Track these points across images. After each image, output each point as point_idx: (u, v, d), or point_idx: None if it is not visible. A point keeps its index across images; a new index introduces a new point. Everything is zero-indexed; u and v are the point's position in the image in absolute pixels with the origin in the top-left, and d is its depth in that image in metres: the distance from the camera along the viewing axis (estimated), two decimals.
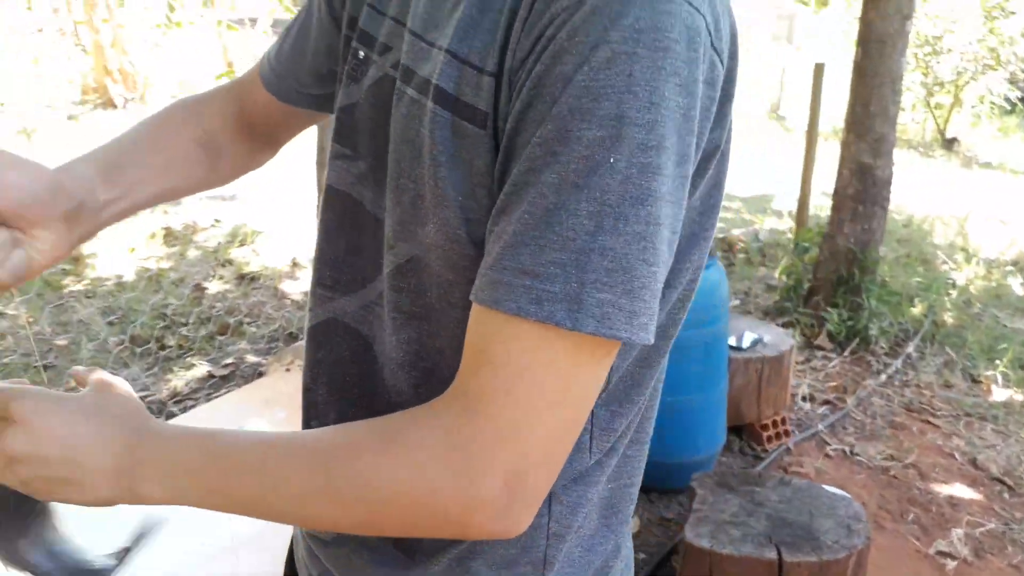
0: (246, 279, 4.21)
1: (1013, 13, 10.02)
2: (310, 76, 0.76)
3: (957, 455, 2.87)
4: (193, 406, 2.91)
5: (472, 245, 0.53)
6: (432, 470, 0.48)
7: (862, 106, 3.50)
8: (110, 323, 3.61)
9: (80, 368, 0.61)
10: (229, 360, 3.30)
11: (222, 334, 3.54)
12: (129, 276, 4.16)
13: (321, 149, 2.82)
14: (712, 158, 0.54)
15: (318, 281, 0.69)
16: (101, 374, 0.60)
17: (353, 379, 0.66)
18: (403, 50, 0.58)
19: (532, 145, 0.47)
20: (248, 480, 0.53)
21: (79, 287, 4.02)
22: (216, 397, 2.96)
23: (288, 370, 2.14)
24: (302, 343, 2.15)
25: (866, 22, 3.45)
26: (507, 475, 0.48)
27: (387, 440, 0.50)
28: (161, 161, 0.76)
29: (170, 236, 4.84)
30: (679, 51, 0.44)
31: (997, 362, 3.60)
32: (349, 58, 0.66)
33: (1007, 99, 11.04)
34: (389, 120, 0.59)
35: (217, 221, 5.25)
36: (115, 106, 9.58)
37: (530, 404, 0.48)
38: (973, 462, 2.82)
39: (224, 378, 3.13)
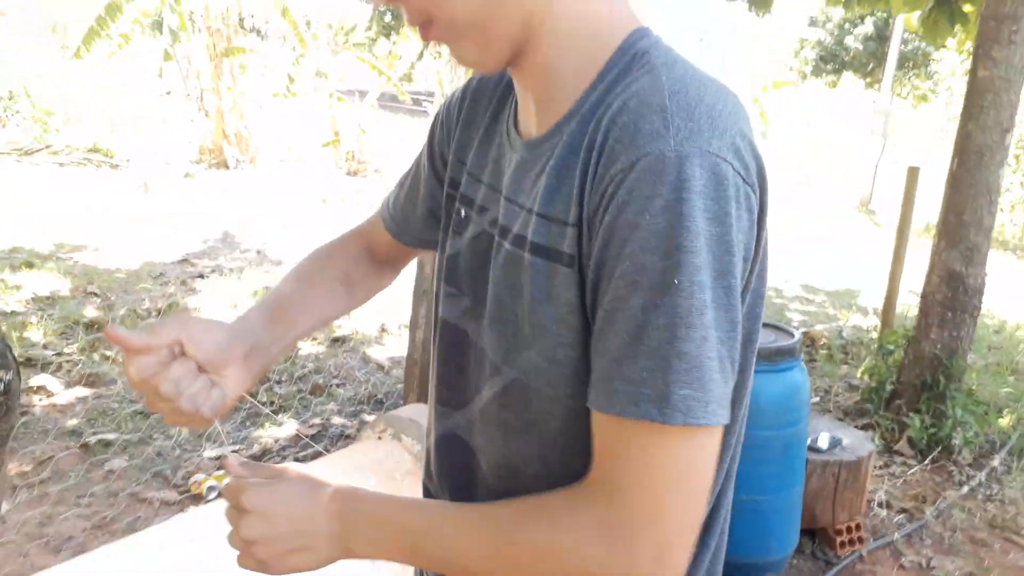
0: (337, 342, 4.43)
1: None
2: (420, 223, 0.94)
3: None
4: (279, 463, 3.09)
5: (567, 365, 0.65)
6: (594, 549, 0.59)
7: (955, 215, 3.50)
8: None
9: (233, 457, 0.76)
10: (317, 420, 3.48)
11: (313, 394, 3.73)
12: None
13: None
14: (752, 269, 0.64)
15: (437, 399, 0.84)
16: (279, 467, 0.74)
17: (463, 482, 0.80)
18: (499, 211, 0.73)
19: (616, 279, 0.59)
20: (439, 542, 0.66)
21: None
22: (304, 457, 3.13)
23: (380, 438, 2.27)
24: (394, 412, 2.29)
25: (964, 132, 3.47)
26: (654, 550, 0.58)
27: (552, 520, 0.61)
28: (311, 301, 0.94)
29: None
30: (709, 192, 0.56)
31: None
32: (453, 215, 0.82)
33: None
34: (487, 267, 0.73)
35: None
36: (227, 166, 10.23)
37: (658, 488, 0.59)
38: None
39: (312, 437, 3.31)
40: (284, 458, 3.11)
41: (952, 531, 3.01)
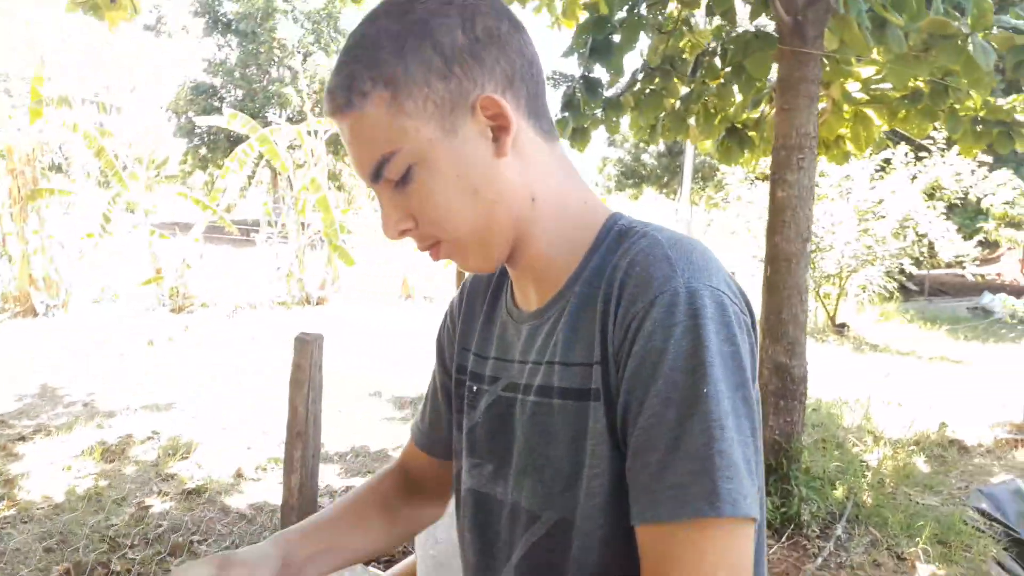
0: (190, 494, 4.17)
1: (883, 216, 11.35)
2: (448, 431, 0.99)
3: None
4: None
5: (600, 495, 0.73)
6: None
7: (775, 314, 3.96)
8: (48, 549, 3.50)
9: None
10: None
11: (173, 555, 3.48)
12: (64, 497, 4.07)
13: (296, 366, 3.00)
14: None
15: (473, 570, 0.89)
16: (208, 562, 0.76)
17: None
18: (515, 374, 0.84)
19: (650, 398, 0.67)
20: None
21: (11, 512, 3.89)
22: None
23: None
24: None
25: (772, 244, 3.99)
26: None
27: None
28: (350, 531, 0.98)
29: (107, 452, 4.77)
30: (718, 318, 0.67)
31: (917, 539, 3.88)
32: (465, 394, 0.91)
33: (884, 288, 12.20)
34: (508, 427, 0.82)
35: (155, 433, 5.21)
36: (36, 313, 9.49)
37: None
38: None
39: None
40: None
41: None
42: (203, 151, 27.30)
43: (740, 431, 0.66)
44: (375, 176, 0.75)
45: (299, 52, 26.47)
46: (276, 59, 27.54)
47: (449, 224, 0.76)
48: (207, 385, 6.77)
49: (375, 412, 6.14)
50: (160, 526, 3.72)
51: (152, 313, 10.42)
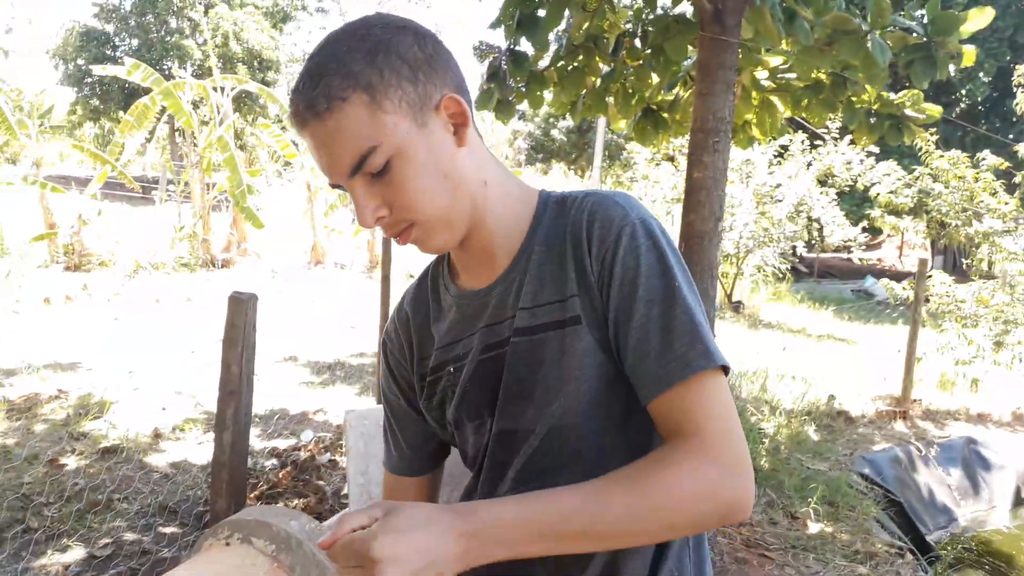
0: (106, 452, 4.09)
1: (780, 200, 11.95)
2: (428, 444, 1.10)
3: None
4: None
5: (591, 395, 0.90)
6: (705, 472, 0.80)
7: None
8: None
9: (328, 527, 0.82)
10: (106, 540, 3.21)
11: (91, 512, 3.43)
12: None
13: (231, 325, 3.00)
14: None
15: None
16: (373, 508, 0.78)
17: None
18: (487, 337, 0.96)
19: (637, 303, 0.86)
20: (574, 519, 0.77)
21: None
22: None
23: (227, 544, 2.22)
24: (237, 516, 2.28)
25: (687, 222, 4.20)
26: (738, 458, 0.81)
27: (669, 466, 0.80)
28: None
29: (12, 410, 4.60)
30: (662, 234, 0.91)
31: (809, 500, 4.23)
32: (445, 383, 1.01)
33: (778, 269, 12.88)
34: (494, 378, 0.95)
35: (62, 392, 5.04)
36: None
37: (721, 418, 0.83)
38: None
39: (107, 559, 3.05)
40: None
41: (720, 556, 3.54)
42: (94, 102, 25.75)
43: (699, 304, 0.89)
44: (355, 170, 0.85)
45: (200, 3, 25.26)
46: (175, 9, 26.20)
47: (423, 207, 0.88)
48: (112, 345, 6.56)
49: (291, 376, 6.11)
50: (76, 484, 3.64)
51: (46, 271, 9.91)
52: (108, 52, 25.27)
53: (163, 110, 10.92)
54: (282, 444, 4.42)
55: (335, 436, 4.55)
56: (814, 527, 4.00)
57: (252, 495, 3.63)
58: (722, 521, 0.81)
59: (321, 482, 3.86)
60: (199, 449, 4.27)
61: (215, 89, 11.51)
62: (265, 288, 9.77)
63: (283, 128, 15.30)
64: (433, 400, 1.03)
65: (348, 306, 9.67)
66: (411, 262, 13.07)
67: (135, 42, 25.95)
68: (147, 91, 10.76)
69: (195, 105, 12.00)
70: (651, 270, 0.86)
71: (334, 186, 0.89)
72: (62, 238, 10.24)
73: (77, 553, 3.08)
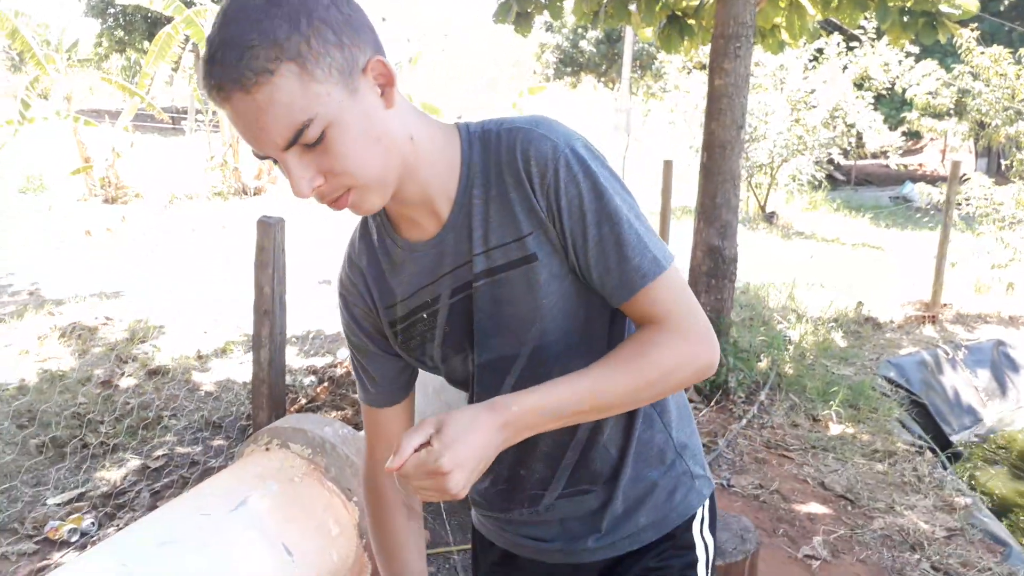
0: (153, 374, 4.31)
1: (815, 107, 11.65)
2: (402, 375, 1.17)
3: (809, 480, 3.47)
4: (135, 499, 3.05)
5: (565, 311, 1.00)
6: (684, 347, 0.97)
7: (710, 199, 4.20)
8: (21, 426, 3.63)
9: (400, 447, 0.87)
10: (159, 452, 3.43)
11: (144, 429, 3.65)
12: (31, 379, 4.17)
13: (260, 248, 3.12)
14: None
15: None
16: (425, 425, 0.88)
17: None
18: (454, 281, 1.02)
19: (588, 227, 0.95)
20: (589, 399, 0.94)
21: None
22: (164, 487, 3.12)
23: (267, 449, 2.39)
24: (275, 424, 2.42)
25: (709, 131, 4.18)
26: (705, 331, 0.99)
27: (656, 346, 0.97)
28: (411, 556, 1.20)
29: (63, 336, 4.84)
30: (591, 156, 0.97)
31: (831, 403, 4.32)
32: (419, 327, 1.07)
33: (813, 177, 12.65)
34: (469, 316, 1.03)
35: (108, 319, 5.27)
36: None
37: (683, 302, 0.98)
38: (822, 484, 3.43)
39: (160, 469, 3.27)
40: (138, 493, 3.07)
41: (740, 455, 3.67)
42: (119, 33, 25.70)
43: (639, 216, 0.99)
44: (291, 143, 0.83)
45: None
46: None
47: (361, 172, 0.88)
48: (152, 274, 6.78)
49: (327, 298, 6.28)
50: (128, 403, 3.86)
51: (84, 204, 10.17)
52: None
53: (186, 38, 10.90)
54: (319, 362, 4.60)
55: None
56: (835, 428, 4.10)
57: (292, 409, 3.82)
58: (697, 379, 1.00)
59: (356, 395, 4.05)
60: (240, 368, 4.47)
61: None
62: (296, 213, 9.92)
63: None
64: (411, 343, 1.09)
65: None
66: None
67: None
68: (169, 19, 10.72)
69: None
70: (591, 194, 0.95)
71: (261, 157, 0.87)
72: (97, 171, 10.44)
73: (132, 465, 3.31)
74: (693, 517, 1.18)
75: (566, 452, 1.11)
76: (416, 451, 0.86)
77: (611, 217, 0.95)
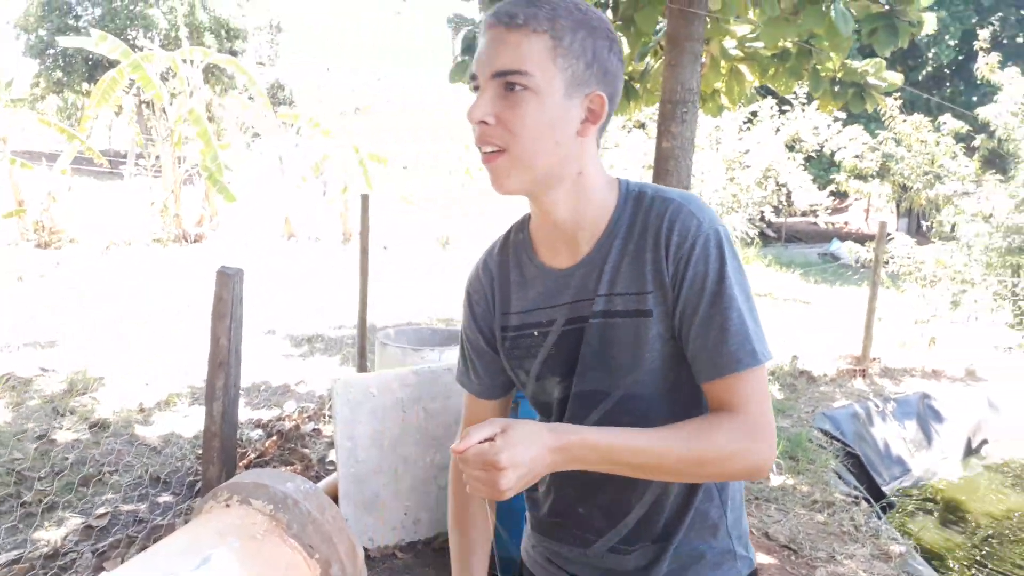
0: (94, 428, 4.19)
1: (748, 166, 12.15)
2: (502, 376, 1.27)
3: (755, 531, 3.56)
4: (76, 560, 2.95)
5: (658, 373, 1.08)
6: (745, 443, 1.01)
7: None
8: None
9: (468, 434, 0.96)
10: (103, 510, 3.33)
11: (84, 486, 3.54)
12: None
13: (218, 299, 3.11)
14: None
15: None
16: (493, 424, 0.96)
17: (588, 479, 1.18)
18: (572, 311, 1.13)
19: (703, 303, 1.03)
20: (641, 455, 0.99)
21: None
22: (107, 547, 3.02)
23: (228, 505, 2.37)
24: (235, 480, 2.40)
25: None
26: (770, 436, 1.03)
27: (720, 431, 1.01)
28: (482, 539, 1.29)
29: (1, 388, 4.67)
30: (728, 245, 1.06)
31: None
32: (527, 341, 1.17)
33: (746, 234, 13.12)
34: (576, 348, 1.13)
35: (44, 370, 5.11)
36: None
37: (762, 403, 1.03)
38: (766, 535, 3.53)
39: (104, 529, 3.18)
40: (81, 554, 2.97)
41: None
42: (57, 74, 25.20)
43: (752, 310, 1.06)
44: (502, 73, 0.99)
45: None
46: None
47: (522, 139, 1.00)
48: (89, 323, 6.61)
49: (271, 350, 6.22)
50: (67, 458, 3.75)
51: (16, 248, 9.85)
52: (71, 22, 24.66)
53: (132, 83, 10.81)
54: (266, 415, 4.55)
55: (318, 406, 4.69)
56: (776, 479, 4.23)
57: (241, 464, 3.77)
58: (747, 477, 1.06)
59: (306, 450, 4.01)
60: (186, 422, 4.39)
61: (185, 61, 11.40)
62: (239, 262, 9.80)
63: (251, 99, 15.15)
64: (515, 352, 1.19)
65: (323, 279, 9.74)
66: (384, 235, 13.14)
67: (98, 11, 25.36)
68: (112, 63, 10.64)
69: (164, 78, 11.88)
70: (716, 276, 1.03)
71: (472, 77, 1.02)
72: (32, 215, 10.17)
73: (73, 523, 3.20)
74: None
75: (629, 510, 1.17)
76: (480, 443, 0.94)
77: (726, 302, 1.03)
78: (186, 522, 3.09)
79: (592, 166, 1.09)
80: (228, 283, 3.17)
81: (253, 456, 3.86)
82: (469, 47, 5.30)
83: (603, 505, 1.18)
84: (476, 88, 1.02)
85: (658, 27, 5.69)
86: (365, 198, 5.30)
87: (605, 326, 1.10)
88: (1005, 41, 20.73)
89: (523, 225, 1.22)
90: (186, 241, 11.49)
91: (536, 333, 1.17)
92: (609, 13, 5.49)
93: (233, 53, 24.90)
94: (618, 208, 1.11)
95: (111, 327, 6.47)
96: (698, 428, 1.02)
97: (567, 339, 1.14)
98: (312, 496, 2.45)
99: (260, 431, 4.26)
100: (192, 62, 11.60)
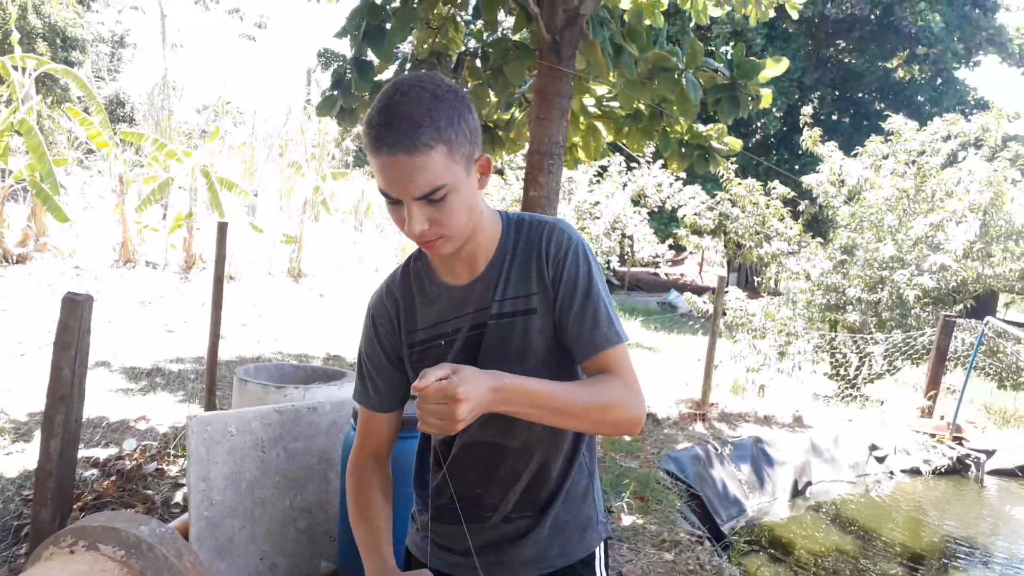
0: None
1: (598, 218, 12.69)
2: (401, 389, 1.49)
3: (609, 571, 3.68)
4: None
5: (540, 361, 1.36)
6: (633, 400, 1.30)
7: None
8: None
9: (426, 374, 1.11)
10: None
11: None
12: None
13: (64, 327, 2.88)
14: None
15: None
16: (443, 367, 1.14)
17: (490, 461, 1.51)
18: (473, 320, 1.38)
19: (577, 298, 1.33)
20: (557, 398, 1.22)
21: None
22: None
23: (72, 551, 2.17)
24: (82, 523, 2.26)
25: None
26: (640, 394, 1.32)
27: (606, 386, 1.29)
28: (386, 528, 1.46)
29: None
30: (590, 252, 1.39)
31: (623, 495, 4.63)
32: (434, 352, 1.40)
33: None
34: (476, 351, 1.38)
35: None
36: None
37: (631, 374, 1.33)
38: (619, 574, 3.66)
39: None
40: None
41: None
42: None
43: (611, 304, 1.37)
44: (425, 196, 1.18)
45: None
46: None
47: (456, 228, 1.25)
48: None
49: (106, 383, 5.79)
50: None
51: None
52: None
53: None
54: (103, 454, 4.21)
55: (161, 444, 4.40)
56: (627, 519, 4.40)
57: (76, 506, 3.47)
58: (628, 426, 1.30)
59: (149, 491, 3.75)
60: (8, 459, 3.99)
61: (16, 67, 10.54)
62: (69, 287, 9.06)
63: (87, 111, 14.19)
64: (424, 363, 1.38)
65: (163, 308, 9.20)
66: (233, 264, 12.59)
67: None
68: None
69: None
70: (586, 276, 1.33)
71: (391, 200, 1.21)
72: None
73: None
74: (593, 555, 1.51)
75: (518, 479, 1.42)
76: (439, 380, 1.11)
77: (595, 295, 1.32)
78: (15, 573, 2.81)
79: (482, 205, 1.35)
80: (76, 310, 2.95)
81: (90, 498, 3.56)
82: (339, 82, 5.28)
83: (498, 480, 1.43)
84: (393, 201, 1.22)
85: (524, 81, 5.91)
86: (223, 226, 5.08)
87: (500, 326, 1.36)
88: (823, 117, 23.05)
89: (419, 255, 1.45)
90: (7, 261, 10.51)
91: (443, 342, 1.39)
92: (479, 62, 5.66)
93: (69, 63, 23.30)
94: (504, 233, 1.39)
95: None
96: (595, 382, 1.29)
97: (470, 343, 1.38)
98: (168, 540, 2.31)
99: (96, 471, 3.94)
100: (23, 69, 10.75)
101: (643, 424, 1.31)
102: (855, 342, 9.16)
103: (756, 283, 12.27)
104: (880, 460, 7.02)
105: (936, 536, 5.76)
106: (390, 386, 1.47)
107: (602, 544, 1.53)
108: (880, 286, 9.29)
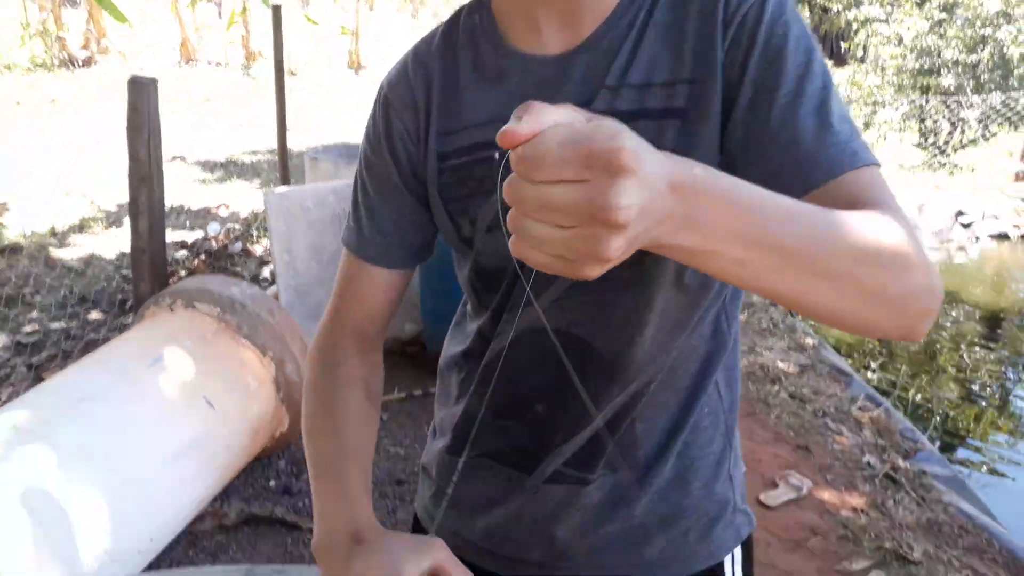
0: (6, 252, 3.99)
1: None
2: (416, 233, 0.84)
3: None
4: (11, 374, 2.89)
5: None
6: (925, 259, 0.59)
7: None
8: None
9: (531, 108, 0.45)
10: (29, 328, 3.24)
11: (7, 307, 3.41)
12: None
13: (133, 110, 2.91)
14: None
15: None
16: (572, 109, 0.47)
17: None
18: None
19: (788, 72, 0.65)
20: (801, 223, 0.52)
21: None
22: (47, 358, 2.96)
23: (172, 309, 2.32)
24: (178, 286, 2.36)
25: None
26: (909, 219, 0.62)
27: (894, 229, 0.57)
28: (366, 448, 0.81)
29: None
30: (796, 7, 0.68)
31: None
32: (481, 165, 0.75)
33: None
34: None
35: None
36: None
37: (902, 212, 0.60)
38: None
39: (35, 345, 3.09)
40: (14, 367, 2.91)
41: None
42: None
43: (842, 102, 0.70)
44: None
45: None
46: None
47: None
48: None
49: (184, 175, 5.95)
50: None
51: None
52: None
53: None
54: (190, 236, 4.41)
55: (243, 227, 4.57)
56: None
57: (172, 281, 3.69)
58: (928, 303, 0.59)
59: (237, 268, 3.94)
60: (106, 243, 4.22)
61: None
62: None
63: None
64: (459, 189, 0.78)
65: (228, 104, 9.23)
66: (290, 59, 12.41)
67: None
68: None
69: None
70: (799, 43, 0.66)
71: None
72: None
73: (1, 341, 3.11)
74: (722, 565, 0.85)
75: (598, 414, 0.77)
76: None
77: (819, 77, 0.65)
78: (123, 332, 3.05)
79: None
80: (143, 92, 2.96)
81: (183, 274, 3.78)
82: None
83: (564, 407, 0.78)
84: None
85: None
86: (277, 9, 4.93)
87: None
88: None
89: (478, 5, 0.80)
90: (73, 65, 10.57)
91: (497, 156, 0.74)
92: None
93: None
94: None
95: (3, 154, 6.02)
96: (862, 216, 0.58)
97: None
98: (260, 300, 2.43)
99: (185, 251, 4.15)
100: None
101: (941, 300, 0.60)
102: (947, 106, 8.60)
103: (843, 51, 11.47)
104: (966, 227, 6.80)
105: (1017, 297, 5.68)
106: (399, 222, 0.83)
107: (739, 546, 0.86)
108: (980, 46, 8.54)
